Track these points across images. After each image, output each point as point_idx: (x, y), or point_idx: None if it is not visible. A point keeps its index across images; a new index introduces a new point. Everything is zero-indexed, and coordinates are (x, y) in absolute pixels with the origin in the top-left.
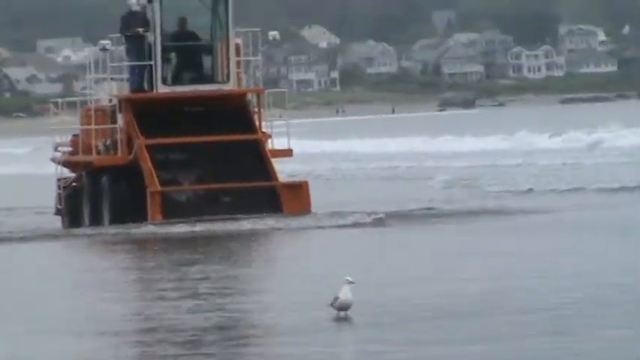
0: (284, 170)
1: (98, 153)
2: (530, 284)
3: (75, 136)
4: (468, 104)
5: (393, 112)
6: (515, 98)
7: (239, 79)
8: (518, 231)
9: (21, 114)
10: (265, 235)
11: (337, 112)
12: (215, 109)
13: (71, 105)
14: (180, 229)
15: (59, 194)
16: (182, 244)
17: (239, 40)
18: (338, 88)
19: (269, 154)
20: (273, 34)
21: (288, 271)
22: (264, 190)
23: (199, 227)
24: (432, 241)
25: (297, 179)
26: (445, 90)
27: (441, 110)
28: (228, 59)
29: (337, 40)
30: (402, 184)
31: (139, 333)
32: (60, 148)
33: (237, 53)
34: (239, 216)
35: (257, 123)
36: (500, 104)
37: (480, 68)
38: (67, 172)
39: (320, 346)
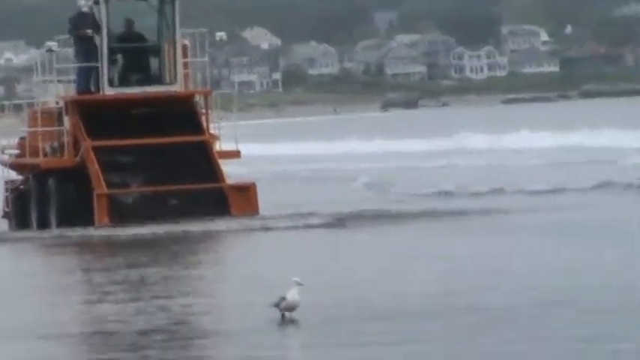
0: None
1: (45, 155)
2: (479, 285)
3: (22, 138)
4: (411, 105)
5: (335, 112)
6: (458, 99)
7: (186, 81)
8: (460, 232)
9: None
10: (216, 237)
11: (277, 113)
12: (162, 111)
13: (17, 107)
14: (126, 232)
15: (6, 197)
16: (128, 247)
17: (186, 42)
18: (280, 89)
19: (217, 155)
20: (220, 35)
21: (236, 273)
22: (212, 192)
23: (146, 230)
24: (384, 243)
25: (244, 181)
26: (388, 91)
27: (384, 111)
28: (175, 60)
29: (279, 42)
30: (320, 185)
31: (82, 336)
32: (6, 151)
33: (185, 54)
34: (187, 218)
35: (205, 124)
36: (444, 104)
37: (422, 69)
38: (14, 175)
39: (264, 349)
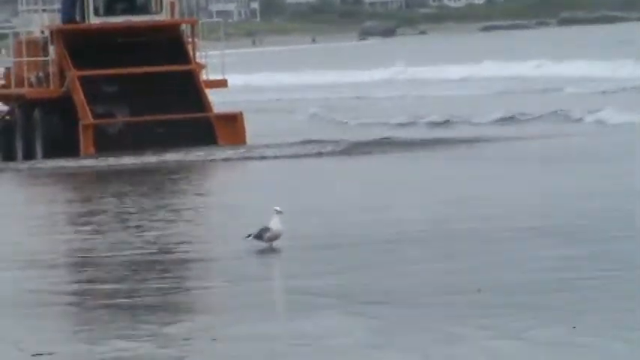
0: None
1: (30, 86)
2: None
3: (7, 68)
4: (388, 33)
5: (314, 41)
6: (436, 27)
7: (172, 10)
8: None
9: None
10: (204, 166)
11: (253, 42)
12: (149, 40)
13: (1, 37)
14: (111, 162)
15: None
16: (113, 177)
17: None
18: (258, 19)
19: (203, 85)
20: None
21: (218, 203)
22: (199, 122)
23: (132, 160)
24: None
25: (231, 110)
26: (366, 19)
27: (361, 40)
28: None
29: None
30: (269, 116)
31: (67, 266)
32: None
33: None
34: (173, 148)
35: (191, 53)
36: (422, 32)
37: None
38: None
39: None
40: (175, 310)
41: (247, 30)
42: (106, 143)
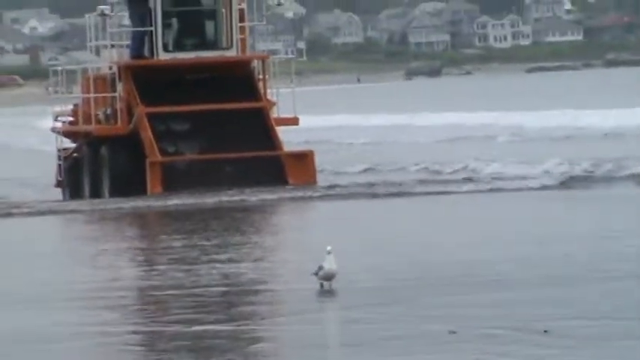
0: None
1: (98, 122)
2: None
3: (75, 105)
4: (434, 73)
5: (359, 81)
6: (482, 67)
7: (243, 45)
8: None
9: None
10: (273, 205)
11: (291, 81)
12: (218, 77)
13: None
14: (179, 200)
15: (59, 165)
16: (181, 216)
17: (243, 5)
18: (305, 58)
19: (274, 122)
20: None
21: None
22: (269, 160)
23: (200, 199)
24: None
25: (302, 149)
26: (411, 59)
27: (407, 79)
28: (231, 24)
29: (303, 10)
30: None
31: (143, 303)
32: (60, 118)
33: (241, 18)
34: (243, 187)
35: (262, 90)
36: (468, 73)
37: (446, 37)
38: (67, 143)
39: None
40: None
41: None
42: (173, 181)
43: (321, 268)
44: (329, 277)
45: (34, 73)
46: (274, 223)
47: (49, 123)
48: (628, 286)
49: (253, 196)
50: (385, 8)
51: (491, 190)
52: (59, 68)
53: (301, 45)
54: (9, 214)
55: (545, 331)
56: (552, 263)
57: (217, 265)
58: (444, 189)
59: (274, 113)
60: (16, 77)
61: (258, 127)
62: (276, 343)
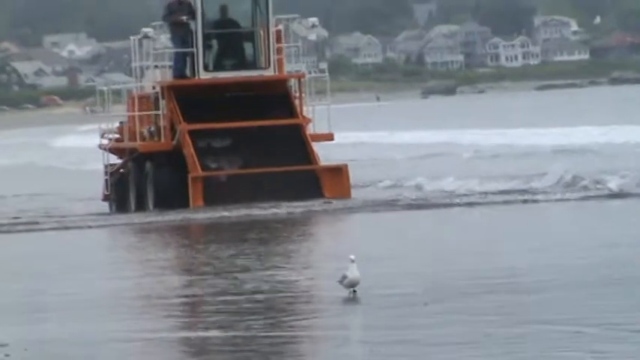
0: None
1: (143, 139)
2: None
3: (121, 123)
4: (449, 92)
5: (378, 100)
6: (494, 85)
7: (280, 65)
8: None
9: (29, 105)
10: (310, 217)
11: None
12: (257, 95)
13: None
14: (220, 213)
15: (106, 180)
16: (223, 228)
17: (280, 27)
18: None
19: (310, 138)
20: (313, 20)
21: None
22: (306, 174)
23: (241, 212)
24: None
25: (336, 163)
26: (428, 79)
27: (424, 98)
28: (268, 45)
29: (325, 33)
30: None
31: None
32: (106, 135)
33: (278, 39)
34: (281, 199)
35: (298, 108)
36: (481, 92)
37: (460, 58)
38: (114, 159)
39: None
40: None
41: (316, 88)
42: (214, 195)
43: (345, 277)
44: (353, 285)
45: (72, 94)
46: (311, 232)
47: (62, 141)
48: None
49: (294, 208)
50: (403, 30)
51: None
52: (105, 88)
53: (323, 65)
54: (66, 227)
55: None
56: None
57: (261, 272)
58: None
59: (310, 129)
60: (56, 98)
61: (295, 142)
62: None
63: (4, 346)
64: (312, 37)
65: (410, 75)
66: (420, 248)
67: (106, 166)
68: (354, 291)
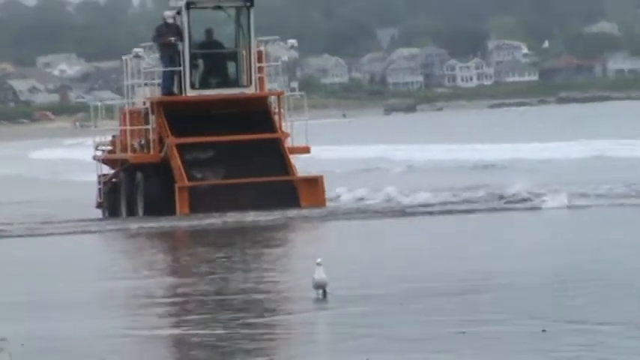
0: None
1: (134, 151)
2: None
3: (114, 136)
4: (410, 109)
5: (344, 116)
6: (451, 104)
7: (261, 83)
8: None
9: (24, 120)
10: (283, 226)
11: None
12: (239, 111)
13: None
14: (204, 221)
15: (99, 189)
16: (207, 234)
17: (261, 48)
18: (297, 95)
19: (288, 151)
20: (292, 42)
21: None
22: (283, 185)
23: (221, 219)
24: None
25: (312, 174)
26: (390, 97)
27: (386, 114)
28: (250, 65)
29: (296, 54)
30: None
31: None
32: (100, 147)
33: (259, 59)
34: (259, 209)
35: (277, 123)
36: (439, 109)
37: (419, 78)
38: (107, 169)
39: None
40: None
41: (287, 104)
42: (199, 203)
43: (313, 279)
44: (320, 286)
45: (64, 109)
46: (285, 238)
47: (41, 153)
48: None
49: (273, 215)
50: (367, 53)
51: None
52: (98, 104)
53: (294, 85)
54: (67, 233)
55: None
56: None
57: (246, 274)
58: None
59: (288, 143)
60: (48, 113)
61: (274, 155)
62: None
63: (3, 340)
64: (284, 58)
65: (374, 94)
66: (395, 253)
67: (99, 176)
68: (324, 292)
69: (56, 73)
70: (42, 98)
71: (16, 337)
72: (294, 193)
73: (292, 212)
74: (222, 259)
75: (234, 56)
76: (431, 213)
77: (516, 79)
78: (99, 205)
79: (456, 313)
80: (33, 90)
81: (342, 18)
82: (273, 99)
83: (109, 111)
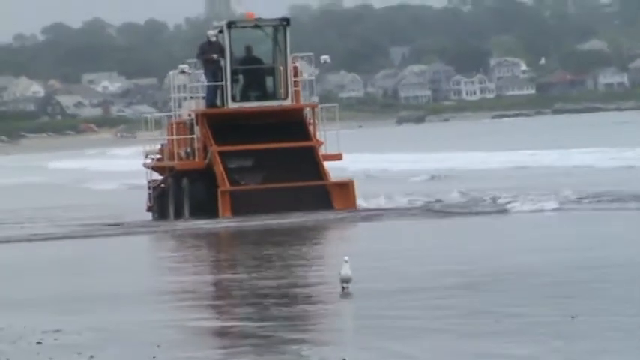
0: None
1: (180, 159)
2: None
3: (162, 145)
4: (419, 120)
5: (360, 127)
6: (457, 115)
7: (297, 96)
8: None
9: (70, 132)
10: (318, 227)
11: None
12: (277, 122)
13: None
14: (245, 223)
15: (149, 194)
16: (250, 234)
17: (297, 63)
18: (337, 108)
19: (322, 158)
20: (325, 57)
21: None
22: (318, 189)
23: (260, 222)
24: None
25: (344, 179)
26: (401, 109)
27: (398, 125)
28: (287, 79)
29: (316, 71)
30: None
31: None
32: (150, 156)
33: (295, 74)
34: (296, 210)
35: (312, 132)
36: (446, 120)
37: (428, 92)
38: (156, 176)
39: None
40: None
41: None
42: (240, 207)
43: (339, 274)
44: (345, 281)
45: (106, 122)
46: (322, 237)
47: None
48: None
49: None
50: (381, 69)
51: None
52: (149, 116)
53: (314, 99)
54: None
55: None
56: None
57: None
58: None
59: (322, 151)
60: (92, 125)
61: (309, 162)
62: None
63: (57, 331)
64: (305, 75)
65: (386, 106)
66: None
67: (149, 182)
68: (345, 286)
69: (99, 89)
70: (86, 112)
71: (72, 327)
72: (327, 197)
73: (326, 214)
74: (266, 256)
75: (271, 71)
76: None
77: (516, 92)
78: (149, 209)
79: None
80: (78, 105)
81: (357, 37)
82: (307, 110)
83: (157, 123)
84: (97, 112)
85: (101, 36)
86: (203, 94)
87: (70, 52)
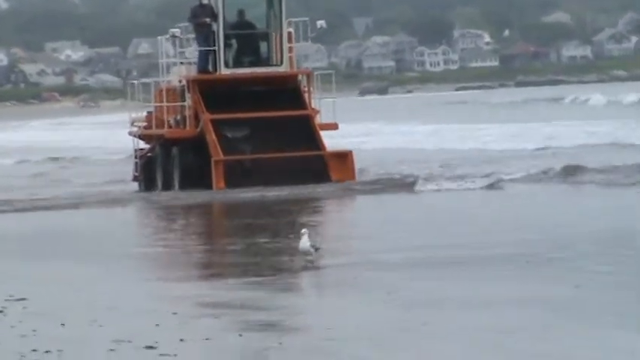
0: None
1: (169, 127)
2: None
3: (149, 112)
4: (382, 91)
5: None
6: (420, 87)
7: (291, 62)
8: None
9: (33, 100)
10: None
11: None
12: (271, 89)
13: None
14: (242, 194)
15: (136, 163)
16: (244, 209)
17: (291, 29)
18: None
19: (317, 127)
20: (321, 22)
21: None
22: (314, 159)
23: (258, 193)
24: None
25: (342, 149)
26: (364, 81)
27: (360, 96)
28: (281, 45)
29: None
30: None
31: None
32: (136, 123)
33: (290, 40)
34: (292, 182)
35: (307, 100)
36: (409, 91)
37: (392, 63)
38: (142, 144)
39: None
40: None
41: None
42: (234, 177)
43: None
44: (305, 253)
45: (69, 90)
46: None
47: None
48: None
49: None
50: (344, 40)
51: None
52: (135, 82)
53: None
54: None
55: None
56: None
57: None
58: None
59: (318, 120)
60: (55, 94)
61: (305, 131)
62: None
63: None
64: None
65: (350, 77)
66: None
67: (135, 151)
68: (310, 259)
69: (62, 57)
70: (49, 81)
71: None
72: (325, 167)
73: (325, 186)
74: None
75: (265, 36)
76: None
77: (479, 64)
78: (135, 179)
79: None
80: (41, 73)
81: (321, 8)
82: (302, 77)
83: (106, 92)
84: (60, 80)
85: (64, 3)
86: (194, 60)
87: (33, 20)
